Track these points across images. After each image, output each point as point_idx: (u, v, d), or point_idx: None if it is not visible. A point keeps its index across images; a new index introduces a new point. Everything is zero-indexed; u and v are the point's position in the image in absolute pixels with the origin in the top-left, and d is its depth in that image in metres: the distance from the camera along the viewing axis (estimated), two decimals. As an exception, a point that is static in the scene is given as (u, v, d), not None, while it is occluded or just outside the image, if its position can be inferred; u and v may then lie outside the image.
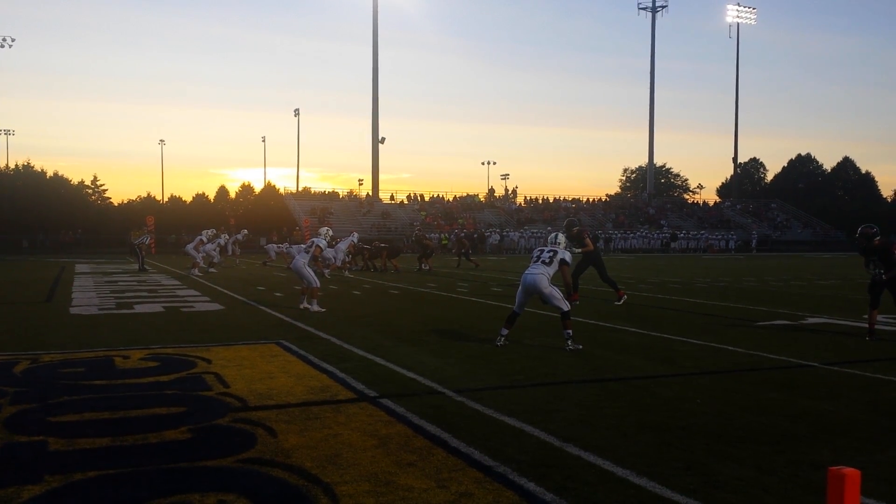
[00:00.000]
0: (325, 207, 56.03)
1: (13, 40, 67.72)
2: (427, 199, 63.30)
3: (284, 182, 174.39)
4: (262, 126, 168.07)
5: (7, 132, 74.46)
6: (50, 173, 65.06)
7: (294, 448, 4.84)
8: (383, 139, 61.71)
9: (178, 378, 7.11)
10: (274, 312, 12.88)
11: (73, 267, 28.47)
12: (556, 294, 8.94)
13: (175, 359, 8.16)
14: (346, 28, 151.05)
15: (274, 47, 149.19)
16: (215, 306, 13.96)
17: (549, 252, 9.15)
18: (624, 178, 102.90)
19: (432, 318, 12.25)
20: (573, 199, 67.07)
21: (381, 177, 63.00)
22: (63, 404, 6.02)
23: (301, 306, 13.17)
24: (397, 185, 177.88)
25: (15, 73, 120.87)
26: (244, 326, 11.06)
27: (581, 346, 8.85)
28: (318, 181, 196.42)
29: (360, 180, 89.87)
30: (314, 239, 14.06)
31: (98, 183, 73.04)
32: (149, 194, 77.24)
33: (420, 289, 18.49)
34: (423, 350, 8.77)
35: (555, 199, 66.39)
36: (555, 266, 9.04)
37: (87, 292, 16.97)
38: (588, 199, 68.20)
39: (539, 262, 9.08)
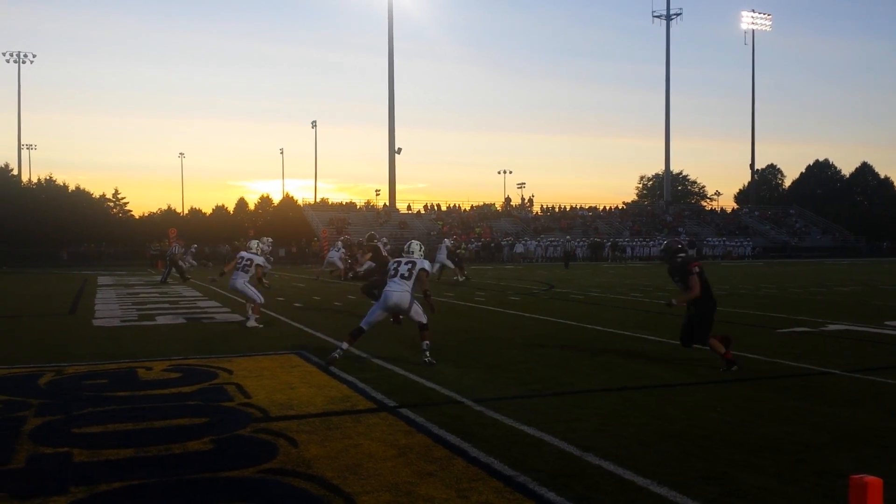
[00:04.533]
0: (342, 218, 56.31)
1: (34, 56, 69.47)
2: (444, 208, 63.41)
3: (302, 193, 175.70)
4: (280, 138, 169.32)
5: (29, 147, 75.62)
6: (72, 187, 65.95)
7: (315, 458, 4.87)
8: (399, 149, 61.97)
9: (200, 389, 7.18)
10: (293, 323, 12.95)
11: (96, 279, 28.76)
12: (417, 308, 8.79)
13: (197, 370, 8.24)
14: (362, 40, 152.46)
15: (291, 60, 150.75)
16: (236, 317, 14.06)
17: (406, 264, 8.85)
18: (640, 185, 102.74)
19: (450, 327, 12.26)
20: (590, 207, 66.94)
21: (398, 187, 63.13)
22: (87, 416, 6.10)
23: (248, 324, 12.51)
24: (414, 195, 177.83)
25: (36, 88, 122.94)
26: (264, 337, 11.14)
27: (435, 361, 8.49)
28: (336, 192, 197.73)
29: (377, 190, 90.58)
30: (249, 255, 13.00)
31: (119, 196, 73.96)
32: (169, 207, 78.10)
33: (437, 298, 18.48)
34: (441, 359, 8.78)
35: (571, 207, 66.28)
36: (414, 278, 8.78)
37: (110, 304, 17.15)
38: (605, 206, 68.08)
39: (398, 278, 8.77)
